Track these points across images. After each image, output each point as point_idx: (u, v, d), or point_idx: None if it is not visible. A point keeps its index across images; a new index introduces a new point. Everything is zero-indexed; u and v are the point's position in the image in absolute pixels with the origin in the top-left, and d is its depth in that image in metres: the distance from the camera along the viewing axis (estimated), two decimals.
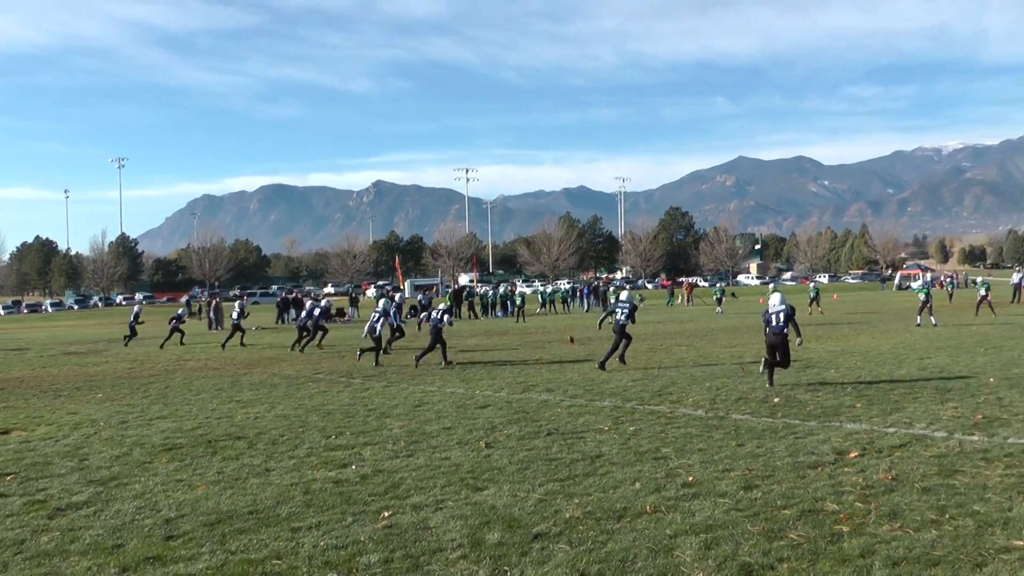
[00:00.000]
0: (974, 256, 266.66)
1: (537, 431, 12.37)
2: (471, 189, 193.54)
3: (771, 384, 16.44)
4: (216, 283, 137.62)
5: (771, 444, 10.98)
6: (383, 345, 24.75)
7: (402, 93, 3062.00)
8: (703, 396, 15.51)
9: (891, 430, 11.76)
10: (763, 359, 17.06)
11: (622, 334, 20.51)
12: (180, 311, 39.25)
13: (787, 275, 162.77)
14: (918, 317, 32.93)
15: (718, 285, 67.27)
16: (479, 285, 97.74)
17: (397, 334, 27.78)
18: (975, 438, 11.11)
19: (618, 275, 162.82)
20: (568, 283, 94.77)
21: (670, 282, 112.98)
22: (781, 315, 16.81)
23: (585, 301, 63.86)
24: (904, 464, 9.72)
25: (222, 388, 19.08)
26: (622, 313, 20.58)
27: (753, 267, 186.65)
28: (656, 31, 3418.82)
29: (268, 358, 26.66)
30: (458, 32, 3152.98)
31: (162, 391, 18.91)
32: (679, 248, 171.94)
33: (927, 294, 33.14)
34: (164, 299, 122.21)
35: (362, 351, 24.45)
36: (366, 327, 24.51)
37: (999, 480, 8.96)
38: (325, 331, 30.59)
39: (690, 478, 9.30)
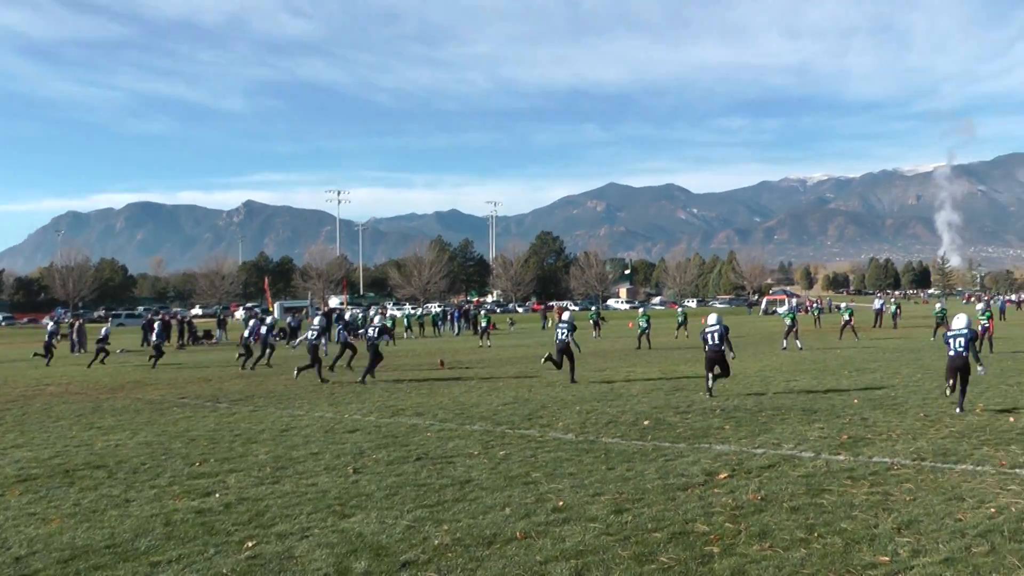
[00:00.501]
0: (837, 283, 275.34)
1: (406, 456, 12.16)
2: (343, 211, 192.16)
3: (710, 394, 18.37)
4: (80, 304, 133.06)
5: (641, 467, 10.98)
6: (334, 362, 26.37)
7: (274, 113, 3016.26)
8: (573, 420, 15.50)
9: (759, 451, 11.90)
10: (707, 375, 18.72)
11: (564, 352, 22.45)
12: (51, 328, 38.44)
13: (656, 300, 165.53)
14: (784, 341, 33.72)
15: (592, 308, 67.66)
16: (349, 308, 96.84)
17: (269, 351, 30.32)
18: (841, 458, 11.31)
19: (489, 299, 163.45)
20: (438, 306, 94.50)
21: (541, 306, 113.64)
22: (715, 335, 18.80)
23: (456, 324, 63.71)
24: (773, 484, 9.82)
25: (83, 414, 18.29)
26: (563, 332, 22.67)
27: (623, 292, 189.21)
28: (529, 57, 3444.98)
29: (132, 382, 25.79)
30: (331, 53, 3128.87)
31: (19, 418, 18.04)
32: (550, 272, 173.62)
33: (793, 319, 33.98)
34: (25, 320, 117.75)
35: (299, 369, 24.80)
36: (302, 344, 25.98)
37: (865, 498, 9.11)
38: (272, 348, 31.09)
39: (560, 503, 9.21)
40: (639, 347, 37.03)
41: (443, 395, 20.16)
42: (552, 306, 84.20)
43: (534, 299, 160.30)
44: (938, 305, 41.81)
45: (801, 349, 31.91)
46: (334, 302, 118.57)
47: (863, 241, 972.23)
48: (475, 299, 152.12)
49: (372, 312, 46.59)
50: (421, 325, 63.08)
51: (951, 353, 15.68)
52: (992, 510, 8.60)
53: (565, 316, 24.12)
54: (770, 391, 19.28)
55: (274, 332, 33.60)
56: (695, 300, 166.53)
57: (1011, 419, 14.45)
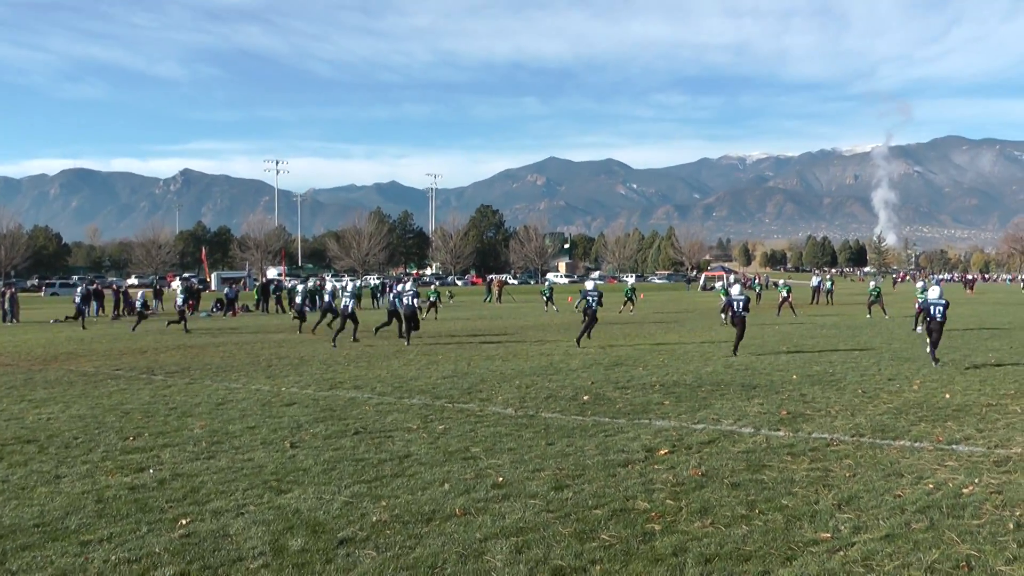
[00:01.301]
0: (775, 260, 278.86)
1: (344, 430, 12.02)
2: (281, 181, 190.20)
3: (735, 354, 21.59)
4: (12, 272, 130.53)
5: (581, 443, 10.94)
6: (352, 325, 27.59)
7: (211, 80, 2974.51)
8: (513, 394, 15.43)
9: (699, 427, 11.92)
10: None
11: (593, 317, 25.56)
12: None
13: (595, 274, 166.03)
14: (723, 316, 33.93)
15: (546, 284, 67.15)
16: (287, 279, 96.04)
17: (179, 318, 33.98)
18: (781, 433, 11.36)
19: (428, 271, 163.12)
20: (377, 279, 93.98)
21: (481, 279, 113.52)
22: (741, 302, 22.37)
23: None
24: (713, 460, 9.83)
25: (14, 386, 17.76)
26: (593, 300, 25.54)
27: (562, 266, 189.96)
28: (469, 29, 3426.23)
29: (66, 353, 25.20)
30: (268, 20, 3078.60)
31: None
32: (489, 246, 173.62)
33: (726, 293, 34.28)
34: None
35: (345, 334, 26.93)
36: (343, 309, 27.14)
37: (805, 474, 9.14)
38: (335, 315, 31.29)
39: (500, 479, 9.14)
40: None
41: (382, 368, 19.99)
42: (492, 279, 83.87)
43: (473, 272, 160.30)
44: (872, 283, 42.37)
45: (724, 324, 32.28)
46: (272, 273, 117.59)
47: (801, 219, 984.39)
48: (414, 271, 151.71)
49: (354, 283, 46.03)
50: (360, 297, 62.68)
51: (936, 317, 19.34)
52: (930, 486, 8.67)
53: (589, 285, 26.81)
54: (710, 366, 19.36)
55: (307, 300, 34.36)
56: (634, 275, 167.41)
57: (947, 395, 14.64)
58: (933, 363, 18.96)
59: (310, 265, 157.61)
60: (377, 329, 28.76)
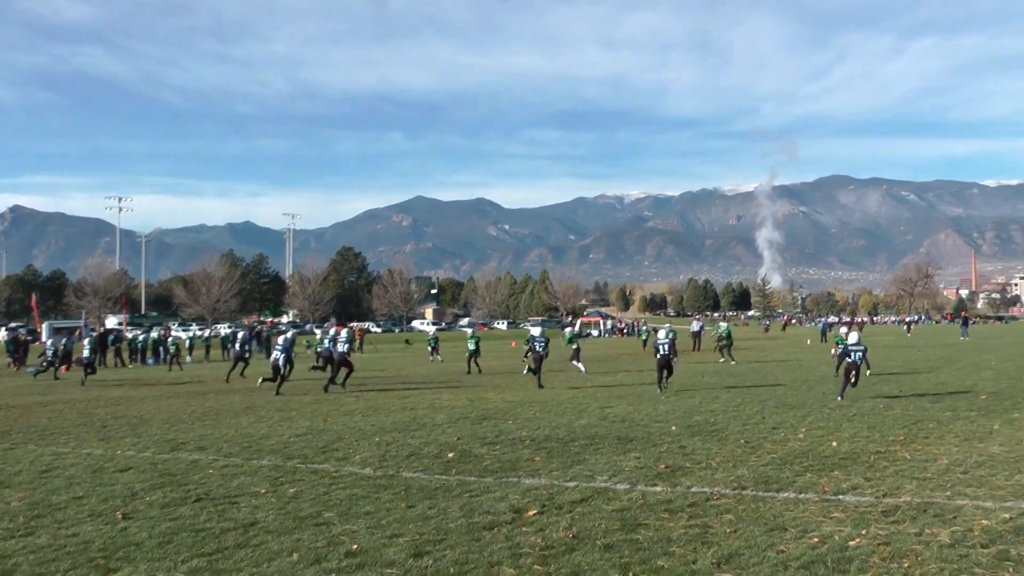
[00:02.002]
0: (655, 304, 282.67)
1: (184, 497, 11.66)
2: (124, 220, 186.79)
3: (661, 390, 25.00)
4: None
5: (444, 504, 10.82)
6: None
7: (46, 106, 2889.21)
8: (372, 452, 15.23)
9: (572, 484, 11.90)
10: (659, 377, 25.37)
11: (540, 360, 28.69)
12: None
13: (464, 321, 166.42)
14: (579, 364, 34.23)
15: (432, 332, 66.48)
16: (128, 329, 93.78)
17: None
18: (658, 489, 11.41)
19: (284, 319, 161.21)
20: (229, 327, 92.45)
21: (342, 327, 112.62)
22: (666, 345, 25.51)
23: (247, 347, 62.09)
24: (585, 520, 9.80)
25: None
26: (540, 346, 28.97)
27: (429, 312, 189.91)
28: (331, 59, 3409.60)
29: None
30: (112, 42, 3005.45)
31: None
32: (351, 291, 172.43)
33: (572, 339, 35.90)
34: None
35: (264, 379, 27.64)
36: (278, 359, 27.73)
37: (683, 532, 9.18)
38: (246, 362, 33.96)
39: (354, 546, 8.95)
40: (469, 371, 36.94)
41: (229, 426, 19.54)
42: (354, 328, 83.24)
43: (333, 319, 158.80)
44: (722, 325, 43.54)
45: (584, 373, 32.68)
46: (111, 322, 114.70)
47: (682, 261, 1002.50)
48: (268, 320, 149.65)
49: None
50: (208, 348, 61.53)
51: (851, 360, 22.34)
52: (815, 540, 8.79)
53: (536, 331, 30.32)
54: (584, 419, 19.43)
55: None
56: (506, 322, 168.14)
57: (834, 443, 14.95)
58: (839, 399, 22.03)
59: (154, 313, 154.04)
60: (328, 384, 28.50)
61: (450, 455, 14.71)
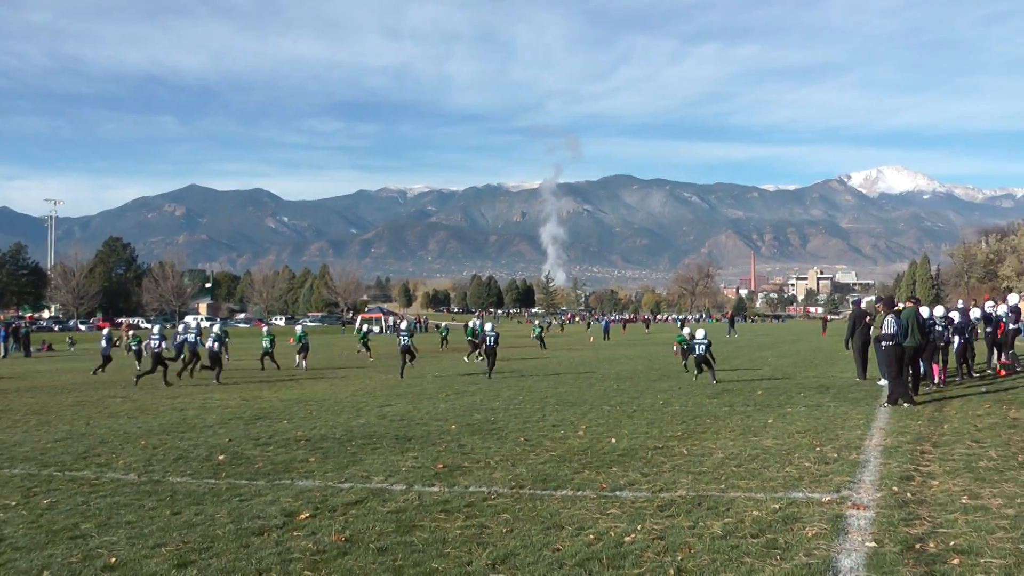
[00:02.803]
0: (438, 301, 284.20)
1: None
2: None
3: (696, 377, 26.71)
4: None
5: (212, 510, 10.54)
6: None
7: None
8: (137, 457, 14.74)
9: (347, 485, 11.78)
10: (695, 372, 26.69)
11: (493, 353, 30.61)
12: None
13: (240, 316, 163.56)
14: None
15: (298, 328, 64.39)
16: None
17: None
18: (435, 489, 11.40)
19: (46, 314, 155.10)
20: None
21: (108, 323, 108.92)
22: (493, 337, 30.18)
23: (2, 345, 59.17)
24: (359, 523, 9.71)
25: None
26: (491, 339, 30.71)
27: (203, 307, 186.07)
28: (96, 33, 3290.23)
29: None
30: None
31: None
32: (119, 284, 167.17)
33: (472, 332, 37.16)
34: None
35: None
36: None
37: (459, 533, 9.18)
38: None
39: (113, 559, 8.60)
40: (263, 368, 36.85)
41: None
42: (121, 323, 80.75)
43: (100, 315, 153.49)
44: (537, 322, 44.19)
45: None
46: None
47: (466, 257, 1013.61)
48: (27, 315, 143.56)
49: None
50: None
51: (701, 353, 25.62)
52: (591, 536, 8.91)
53: (488, 327, 32.71)
54: (362, 418, 19.31)
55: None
56: (284, 317, 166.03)
57: (613, 440, 15.24)
58: (713, 382, 25.53)
59: None
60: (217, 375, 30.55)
61: (220, 457, 14.37)
